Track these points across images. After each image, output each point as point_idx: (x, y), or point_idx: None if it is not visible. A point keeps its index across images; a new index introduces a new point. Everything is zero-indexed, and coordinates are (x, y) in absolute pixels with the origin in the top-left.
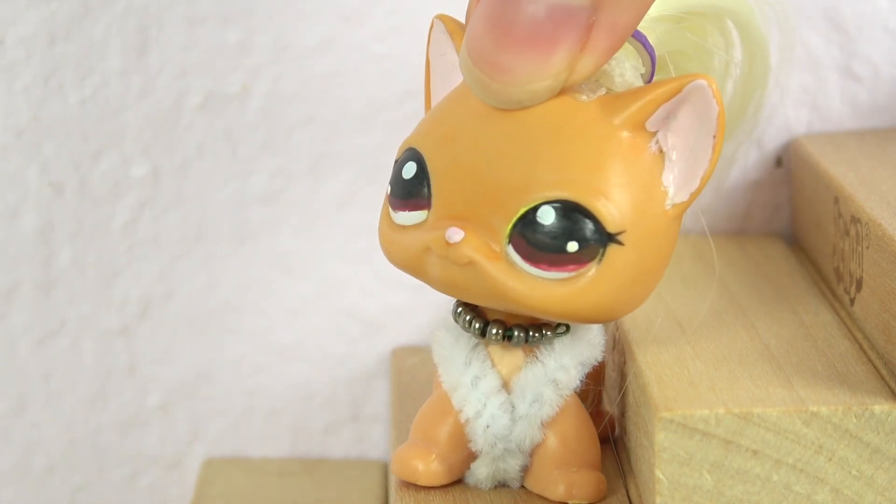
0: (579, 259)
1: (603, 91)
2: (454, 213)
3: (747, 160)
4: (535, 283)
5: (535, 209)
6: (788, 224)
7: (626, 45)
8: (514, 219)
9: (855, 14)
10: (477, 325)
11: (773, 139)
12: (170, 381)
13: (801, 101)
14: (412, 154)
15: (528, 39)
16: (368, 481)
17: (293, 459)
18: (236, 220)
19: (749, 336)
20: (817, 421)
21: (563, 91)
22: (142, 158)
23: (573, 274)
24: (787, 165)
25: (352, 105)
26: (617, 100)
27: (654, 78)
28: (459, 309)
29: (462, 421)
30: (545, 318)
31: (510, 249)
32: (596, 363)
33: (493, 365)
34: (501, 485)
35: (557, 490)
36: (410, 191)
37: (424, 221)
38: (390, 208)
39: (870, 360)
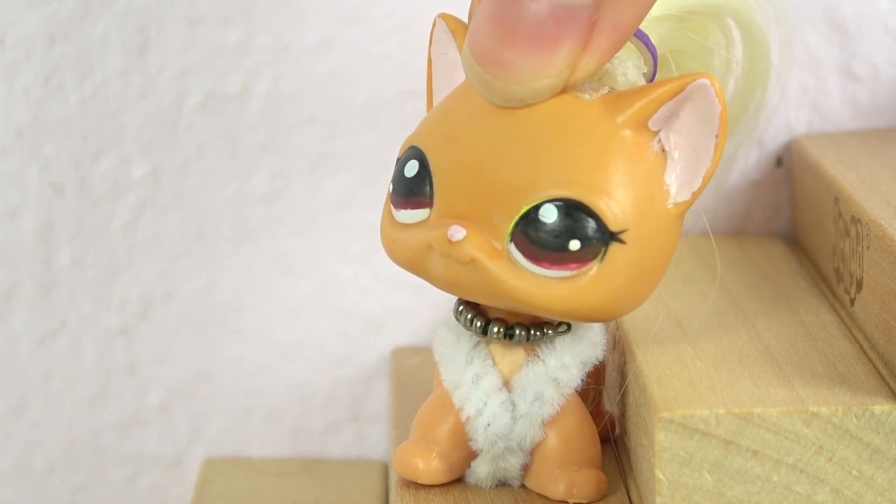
0: (581, 258)
1: (605, 90)
2: (456, 211)
3: (747, 160)
4: (536, 282)
5: (537, 207)
6: (788, 224)
7: (628, 44)
8: (517, 217)
9: (855, 14)
10: (478, 324)
11: (773, 139)
12: (170, 381)
13: (802, 101)
14: (414, 152)
15: (531, 37)
16: (368, 481)
17: (293, 459)
18: (236, 220)
19: (749, 336)
20: (817, 421)
21: (565, 90)
22: (142, 158)
23: (575, 272)
24: (788, 165)
25: (352, 105)
26: (619, 98)
27: (656, 77)
28: (461, 307)
29: (463, 419)
30: (547, 316)
31: (512, 248)
32: (597, 362)
33: (495, 363)
34: (502, 483)
35: (558, 489)
36: (412, 189)
37: (426, 220)
38: (392, 206)
39: (870, 361)
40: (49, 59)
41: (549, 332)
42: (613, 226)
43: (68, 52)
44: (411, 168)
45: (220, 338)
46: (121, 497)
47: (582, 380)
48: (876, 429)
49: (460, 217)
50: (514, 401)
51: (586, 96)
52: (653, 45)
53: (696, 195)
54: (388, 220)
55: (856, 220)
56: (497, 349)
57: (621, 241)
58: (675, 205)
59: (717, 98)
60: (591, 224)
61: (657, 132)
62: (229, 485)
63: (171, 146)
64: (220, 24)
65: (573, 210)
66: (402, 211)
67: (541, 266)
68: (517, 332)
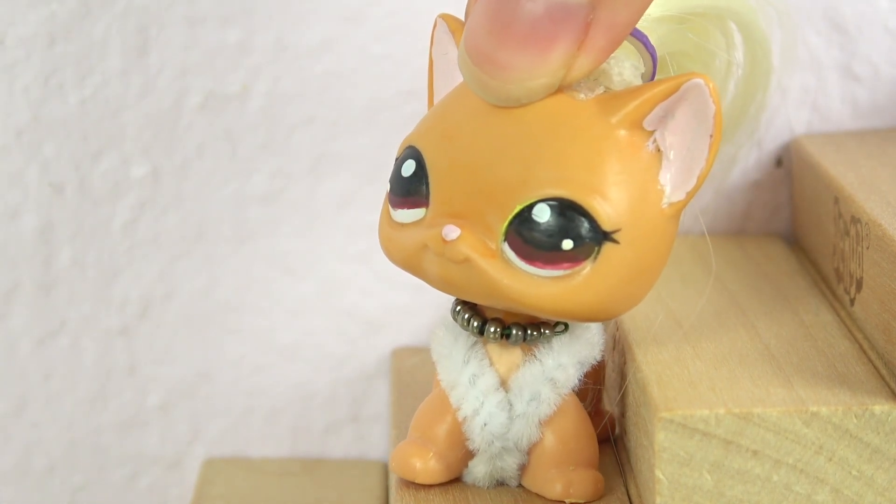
0: (574, 257)
1: (601, 90)
2: (451, 210)
3: (747, 160)
4: (530, 281)
5: (530, 207)
6: (788, 224)
7: (627, 44)
8: (510, 216)
9: (855, 14)
10: (475, 324)
11: (773, 139)
12: (170, 381)
13: (801, 101)
14: (411, 152)
15: (527, 37)
16: (368, 481)
17: (293, 459)
18: (236, 220)
19: (749, 336)
20: (817, 421)
21: (560, 89)
22: (142, 158)
23: (568, 272)
24: (788, 165)
25: (352, 105)
26: (614, 98)
27: (656, 78)
28: (458, 307)
29: (460, 419)
30: (541, 316)
31: (506, 247)
32: (595, 362)
33: (492, 363)
34: (499, 483)
35: (555, 489)
36: (409, 188)
37: (423, 219)
38: (390, 206)
39: (870, 361)
40: (49, 60)
41: (547, 332)
42: (607, 225)
43: (68, 52)
44: (408, 168)
45: (220, 338)
46: (121, 497)
47: (579, 380)
48: (876, 429)
49: (456, 216)
50: (510, 401)
51: (581, 96)
52: (652, 46)
53: (690, 195)
54: (386, 220)
55: (856, 220)
56: (494, 349)
57: (615, 241)
58: (670, 205)
59: (712, 98)
60: (584, 224)
61: (653, 132)
62: (229, 485)
63: (172, 146)
64: (220, 24)
65: (566, 209)
66: (399, 210)
67: (534, 265)
68: (514, 332)
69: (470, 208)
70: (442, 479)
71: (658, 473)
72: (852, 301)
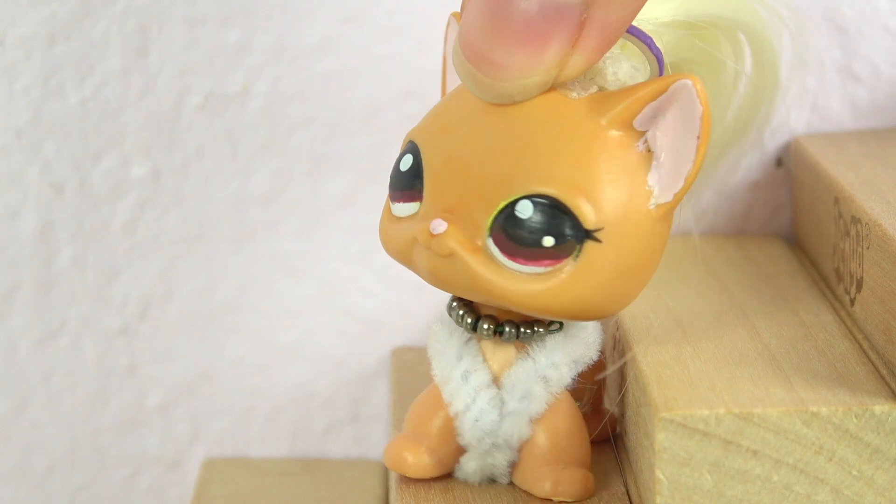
0: (556, 254)
1: (595, 89)
2: (443, 205)
3: (748, 160)
4: (512, 277)
5: (514, 203)
6: (789, 224)
7: (631, 46)
8: (495, 212)
9: (855, 14)
10: (469, 320)
11: (773, 139)
12: (170, 381)
13: (802, 101)
14: (410, 146)
15: (521, 35)
16: (368, 481)
17: (293, 459)
18: (236, 220)
19: (749, 336)
20: (817, 421)
21: (554, 88)
22: (142, 158)
23: (549, 269)
24: (788, 166)
25: (352, 105)
26: (605, 98)
27: None
28: (454, 303)
29: (451, 415)
30: (525, 312)
31: (490, 243)
32: (591, 362)
33: (485, 360)
34: (490, 480)
35: (543, 487)
36: (405, 182)
37: (417, 213)
38: (390, 200)
39: (870, 361)
40: (49, 60)
41: (541, 330)
42: (589, 224)
43: (68, 52)
44: (406, 162)
45: (220, 338)
46: (121, 497)
47: (573, 379)
48: (876, 429)
49: (446, 211)
50: (503, 397)
51: (574, 95)
52: (657, 48)
53: (678, 197)
54: (386, 214)
55: (856, 220)
56: (488, 346)
57: (597, 240)
58: (657, 206)
59: (699, 99)
60: (566, 221)
61: (644, 133)
62: (229, 485)
63: (172, 146)
64: (220, 24)
65: (548, 207)
66: (397, 204)
67: (516, 262)
68: (507, 329)
69: (459, 203)
70: (433, 473)
71: (658, 473)
72: (852, 301)
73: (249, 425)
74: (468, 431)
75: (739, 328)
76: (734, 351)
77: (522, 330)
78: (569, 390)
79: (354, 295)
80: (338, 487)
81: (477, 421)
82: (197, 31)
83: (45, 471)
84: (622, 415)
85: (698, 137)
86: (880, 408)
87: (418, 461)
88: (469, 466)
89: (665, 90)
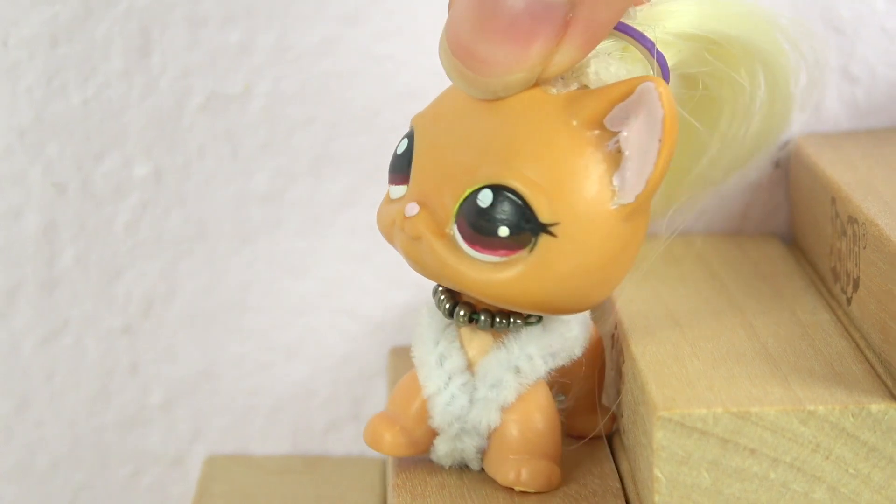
0: (510, 245)
1: (575, 86)
2: (421, 190)
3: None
4: (471, 264)
5: (477, 192)
6: (786, 224)
7: (634, 52)
8: (461, 200)
9: (852, 15)
10: (447, 306)
11: None
12: (172, 380)
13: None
14: (409, 131)
15: (506, 31)
16: (369, 479)
17: (294, 457)
18: (238, 219)
19: (747, 335)
20: (814, 420)
21: (536, 83)
22: (144, 158)
23: (505, 259)
24: (785, 166)
25: (353, 105)
26: (580, 96)
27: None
28: (439, 288)
29: (424, 397)
30: (486, 300)
31: (454, 229)
32: (573, 357)
33: (462, 346)
34: (461, 464)
35: (507, 475)
36: (397, 165)
37: (403, 196)
38: (388, 182)
39: (867, 360)
40: (52, 60)
41: (518, 321)
42: (543, 217)
43: (71, 52)
44: (402, 146)
45: (221, 337)
46: (123, 495)
47: (548, 372)
48: (872, 427)
49: (423, 195)
50: (475, 384)
51: (554, 91)
52: (661, 55)
53: (640, 199)
54: (386, 195)
55: (852, 220)
56: (466, 333)
57: (552, 234)
58: (620, 206)
59: (661, 102)
60: (521, 213)
61: (617, 133)
62: (231, 482)
63: (173, 146)
64: (221, 24)
65: (506, 197)
66: (392, 186)
67: (475, 249)
68: (482, 317)
69: (435, 189)
70: (406, 453)
71: (656, 472)
72: (849, 300)
73: (251, 423)
74: (438, 415)
75: (737, 327)
76: (732, 350)
77: (498, 320)
78: (551, 385)
79: (355, 294)
80: (338, 485)
81: (448, 405)
82: (198, 32)
83: (47, 469)
84: (620, 413)
85: (660, 140)
86: (877, 406)
87: (394, 440)
88: (440, 449)
89: (632, 92)
